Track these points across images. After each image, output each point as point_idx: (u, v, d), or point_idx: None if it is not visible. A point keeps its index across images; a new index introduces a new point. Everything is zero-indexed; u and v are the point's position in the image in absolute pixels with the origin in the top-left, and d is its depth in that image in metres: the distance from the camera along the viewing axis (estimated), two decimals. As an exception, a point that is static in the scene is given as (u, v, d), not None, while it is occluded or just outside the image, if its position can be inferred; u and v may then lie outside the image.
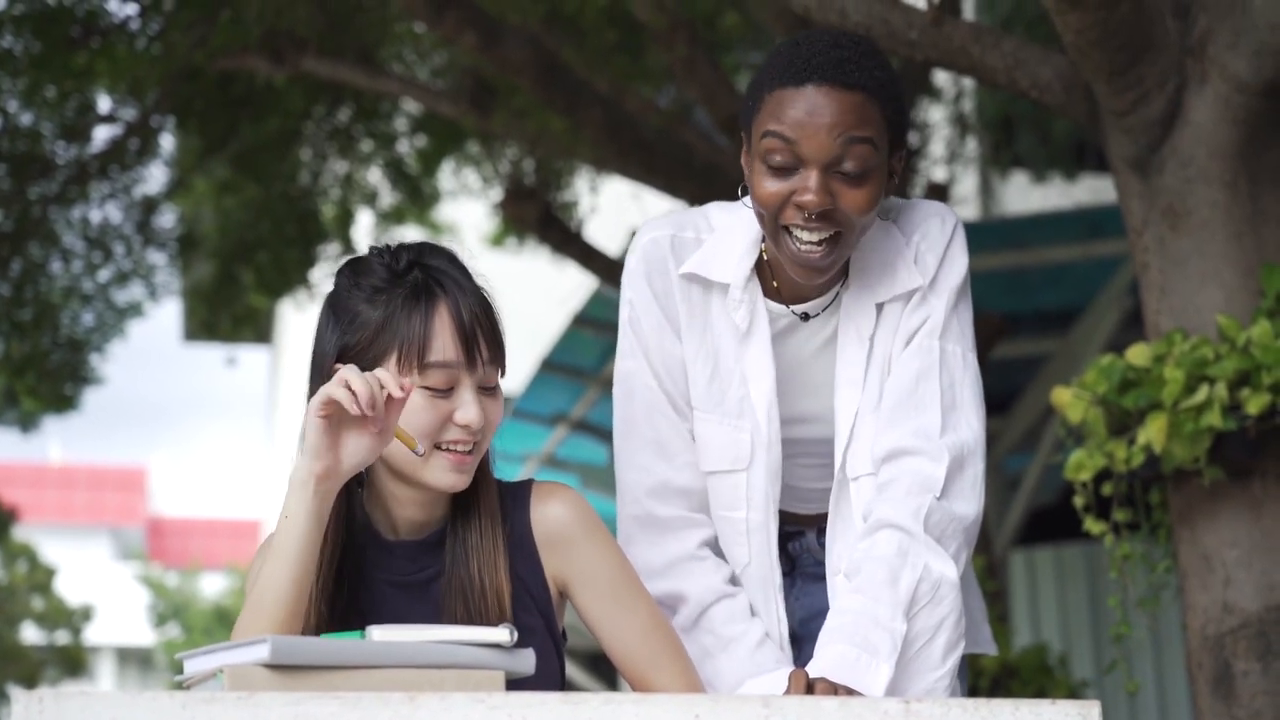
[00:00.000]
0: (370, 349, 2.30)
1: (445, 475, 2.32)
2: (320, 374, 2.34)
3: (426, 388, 2.29)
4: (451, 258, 2.39)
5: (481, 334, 2.32)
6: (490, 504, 2.40)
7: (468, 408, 2.30)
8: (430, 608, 2.37)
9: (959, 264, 2.63)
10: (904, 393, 2.56)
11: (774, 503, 2.67)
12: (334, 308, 2.36)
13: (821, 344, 2.66)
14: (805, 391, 2.68)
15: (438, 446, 2.31)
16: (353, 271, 2.37)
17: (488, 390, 2.34)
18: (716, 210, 2.71)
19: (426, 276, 2.32)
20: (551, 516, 2.43)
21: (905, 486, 2.50)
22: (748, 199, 2.57)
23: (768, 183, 2.48)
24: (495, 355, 2.34)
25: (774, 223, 2.50)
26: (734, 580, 2.68)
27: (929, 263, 2.61)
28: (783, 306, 2.64)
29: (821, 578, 2.71)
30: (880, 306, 2.61)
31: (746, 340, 2.63)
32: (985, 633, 2.81)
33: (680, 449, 2.70)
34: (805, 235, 2.48)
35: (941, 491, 2.49)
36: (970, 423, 2.57)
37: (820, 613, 2.57)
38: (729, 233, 2.64)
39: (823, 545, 2.73)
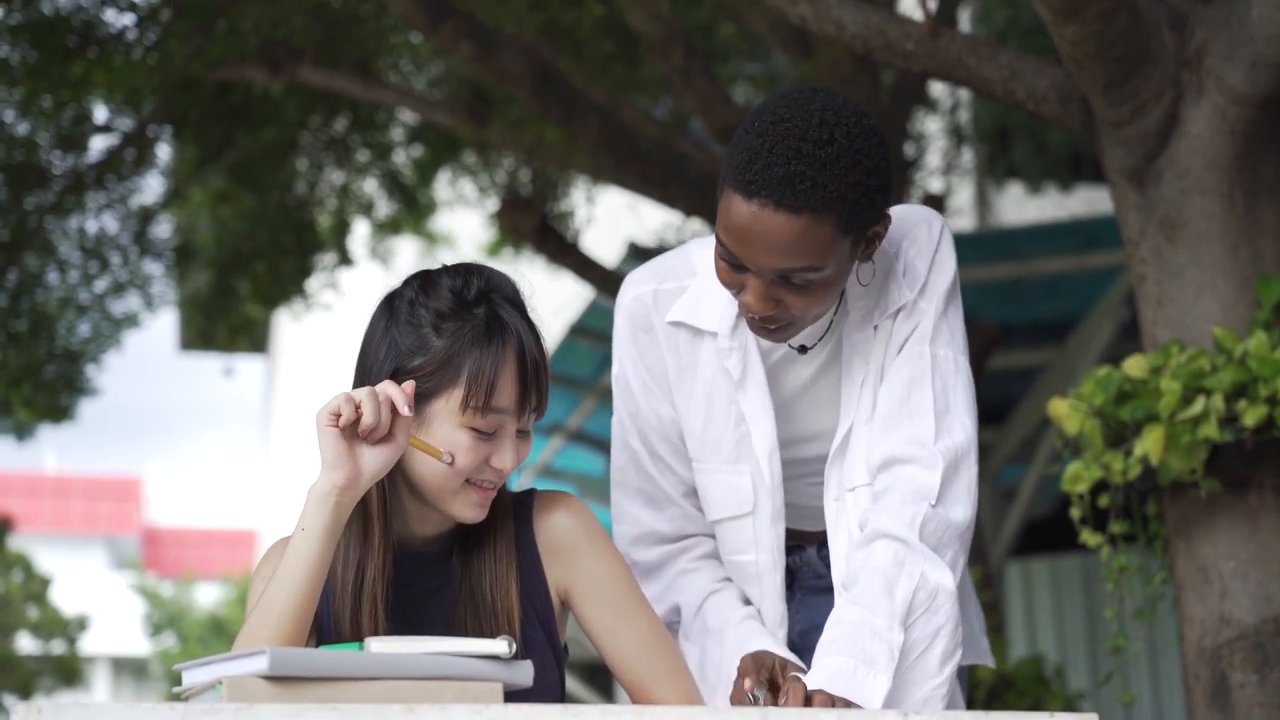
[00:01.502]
0: (431, 378, 2.30)
1: (469, 510, 2.34)
2: (368, 380, 2.33)
3: (474, 429, 2.29)
4: (515, 291, 2.39)
5: (536, 384, 2.34)
6: (506, 527, 2.41)
7: (505, 453, 2.32)
8: (440, 617, 2.38)
9: (947, 268, 2.61)
10: (897, 401, 2.56)
11: (781, 545, 2.68)
12: (394, 318, 2.35)
13: (820, 367, 2.65)
14: (807, 412, 2.68)
15: (468, 481, 2.32)
16: (421, 287, 2.36)
17: (523, 433, 2.36)
18: (698, 249, 2.70)
19: (494, 313, 2.32)
20: (555, 525, 2.44)
21: (900, 496, 2.49)
22: None
23: (722, 266, 2.46)
24: (541, 403, 2.36)
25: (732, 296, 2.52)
26: (726, 579, 2.71)
27: (919, 269, 2.59)
28: None
29: (822, 590, 2.73)
30: (876, 327, 2.60)
31: (741, 386, 2.63)
32: (983, 644, 2.81)
33: (667, 500, 2.73)
34: (755, 321, 2.50)
35: (936, 498, 2.48)
36: (964, 425, 2.56)
37: (819, 626, 2.57)
38: (712, 275, 2.61)
39: (823, 559, 2.74)
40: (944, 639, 2.42)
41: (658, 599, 2.65)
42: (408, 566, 2.39)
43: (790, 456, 2.68)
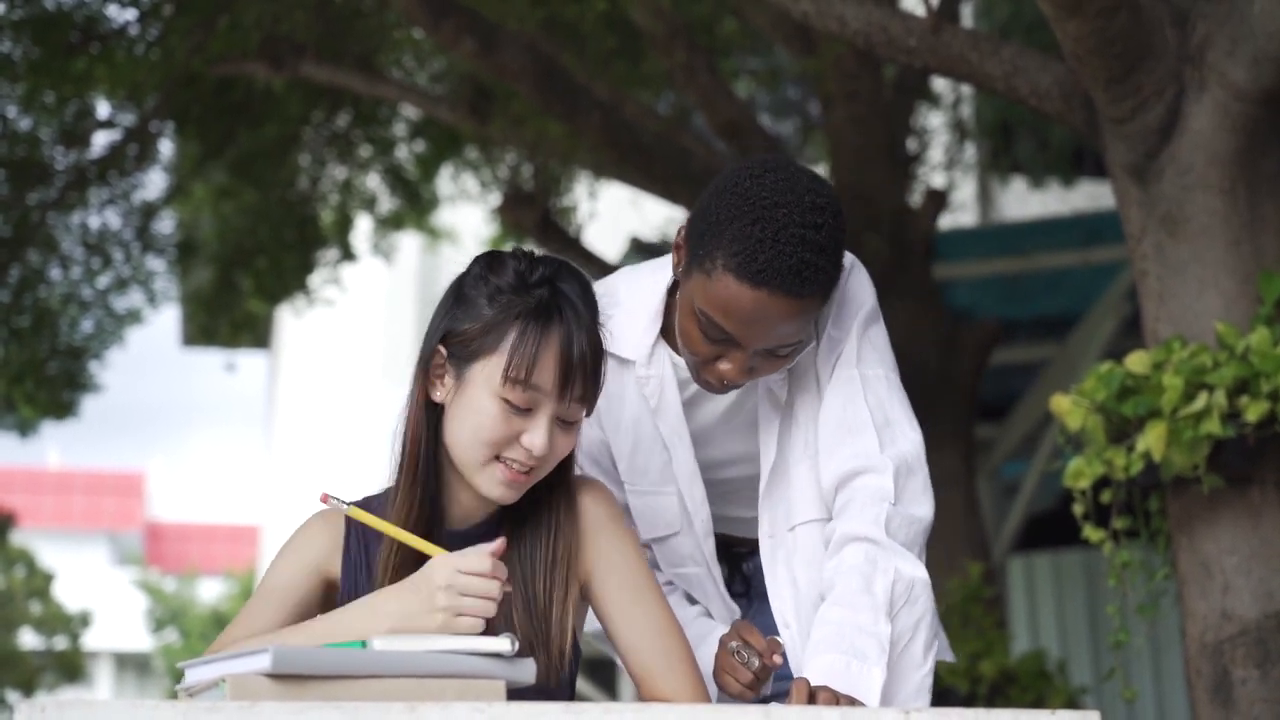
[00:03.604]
0: (473, 343, 2.33)
1: (496, 487, 2.35)
2: (424, 345, 2.38)
3: (508, 401, 2.31)
4: (585, 288, 2.41)
5: (582, 373, 2.35)
6: (562, 521, 2.43)
7: (537, 434, 2.33)
8: None
9: (859, 297, 2.68)
10: (835, 423, 2.63)
11: (713, 556, 2.77)
12: (458, 290, 2.40)
13: (737, 398, 2.71)
14: (727, 439, 2.75)
15: (496, 458, 2.34)
16: (487, 264, 2.40)
17: (565, 424, 2.37)
18: (624, 279, 2.76)
19: (553, 298, 2.34)
20: (582, 508, 2.46)
21: (860, 502, 2.56)
22: (665, 276, 2.64)
23: (697, 338, 2.52)
24: (586, 395, 2.37)
25: (692, 362, 2.57)
26: (668, 582, 2.83)
27: (827, 311, 2.65)
28: None
29: None
30: (790, 372, 2.67)
31: (659, 414, 2.70)
32: (943, 639, 2.85)
33: None
34: (721, 385, 2.57)
35: (894, 499, 2.55)
36: (907, 435, 2.63)
37: (773, 629, 2.68)
38: (634, 306, 2.68)
39: None
40: (924, 629, 2.48)
41: None
42: (446, 544, 2.39)
43: (716, 477, 2.76)
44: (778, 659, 2.43)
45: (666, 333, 2.68)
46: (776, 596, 2.70)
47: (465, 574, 2.18)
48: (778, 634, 2.69)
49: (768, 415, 2.68)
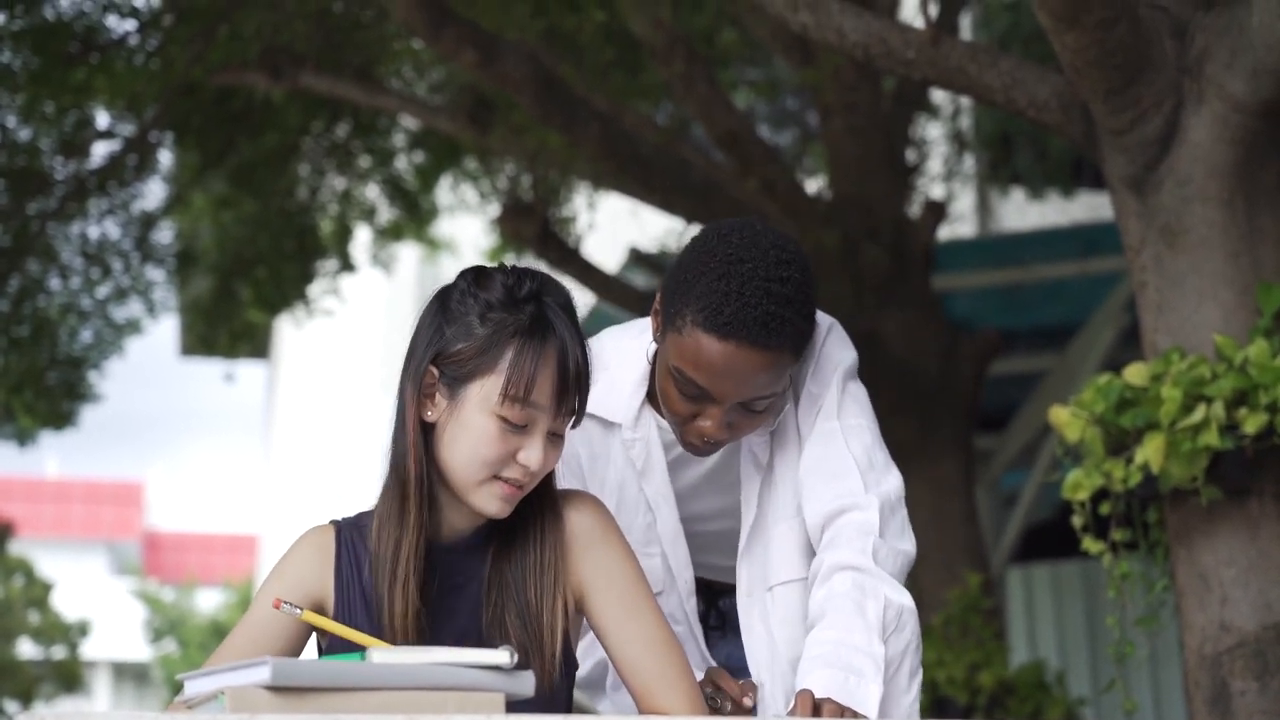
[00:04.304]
0: (469, 363, 2.33)
1: (493, 503, 2.36)
2: (412, 363, 2.38)
3: (505, 419, 2.32)
4: (568, 301, 2.42)
5: (578, 387, 2.37)
6: (550, 530, 2.43)
7: (533, 450, 2.34)
8: (467, 612, 2.39)
9: (836, 356, 2.72)
10: (818, 469, 2.67)
11: (695, 616, 2.82)
12: (444, 306, 2.39)
13: (721, 458, 2.75)
14: (712, 495, 2.79)
15: (496, 477, 2.34)
16: (474, 280, 2.40)
17: (555, 437, 2.38)
18: (611, 342, 2.80)
19: (542, 313, 2.35)
20: (575, 520, 2.46)
21: (847, 535, 2.60)
22: (650, 348, 2.69)
23: (674, 396, 2.57)
24: (578, 410, 2.39)
25: (674, 424, 2.62)
26: None
27: (805, 368, 2.70)
28: None
29: None
30: (773, 434, 2.72)
31: (645, 475, 2.74)
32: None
33: None
34: (704, 445, 2.62)
35: (880, 533, 2.60)
36: (889, 479, 2.68)
37: (746, 661, 2.72)
38: (621, 367, 2.73)
39: None
40: (910, 657, 2.53)
41: (585, 654, 2.71)
42: (436, 558, 2.40)
43: (696, 529, 2.80)
44: (748, 701, 2.50)
45: (652, 396, 2.72)
46: (752, 654, 2.73)
47: None
48: (751, 663, 2.72)
49: (749, 475, 2.72)
